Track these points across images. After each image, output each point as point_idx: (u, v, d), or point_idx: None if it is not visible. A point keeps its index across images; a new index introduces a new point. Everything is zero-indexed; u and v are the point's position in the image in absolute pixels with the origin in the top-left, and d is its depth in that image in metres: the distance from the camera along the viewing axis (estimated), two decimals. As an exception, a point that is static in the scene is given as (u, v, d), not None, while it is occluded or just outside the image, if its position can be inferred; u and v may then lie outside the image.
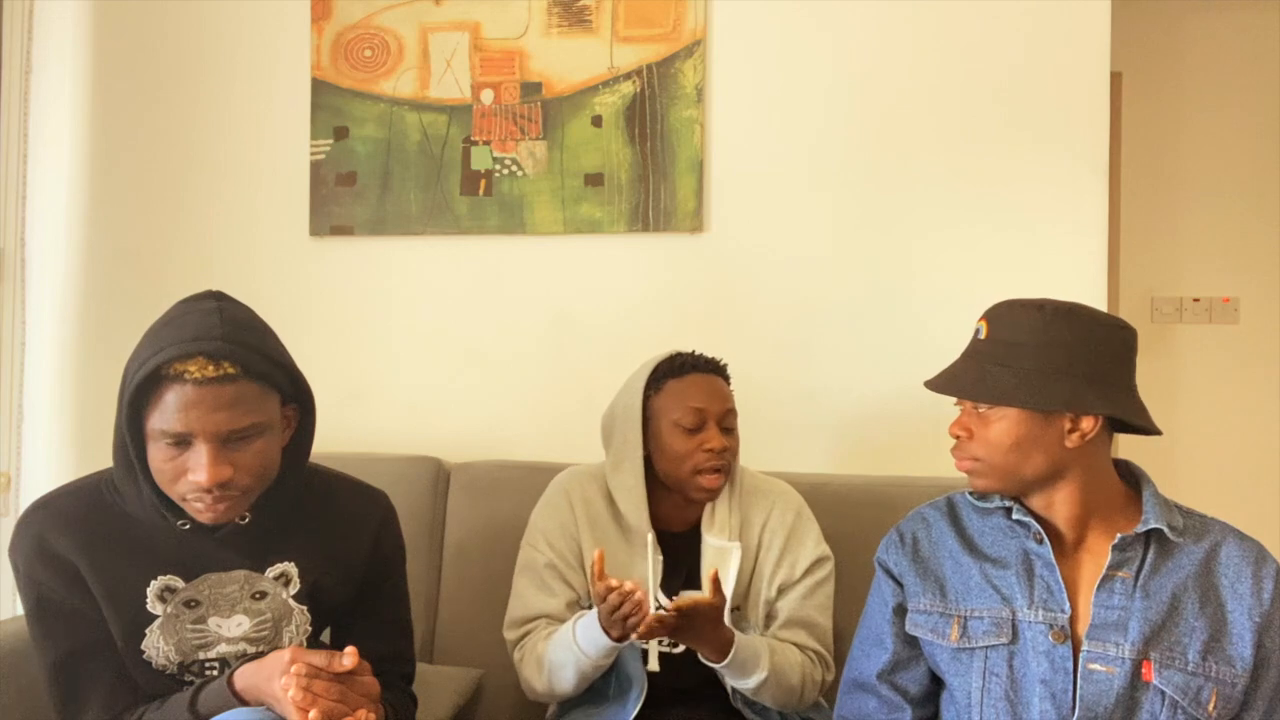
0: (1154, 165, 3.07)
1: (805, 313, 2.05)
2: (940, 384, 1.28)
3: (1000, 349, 1.24)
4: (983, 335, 1.27)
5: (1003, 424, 1.22)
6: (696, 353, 1.63)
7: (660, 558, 1.55)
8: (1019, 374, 1.21)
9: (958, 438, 1.28)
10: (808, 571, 1.58)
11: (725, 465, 1.55)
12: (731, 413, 1.59)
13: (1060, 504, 1.24)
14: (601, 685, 1.56)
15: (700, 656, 1.45)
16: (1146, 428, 1.23)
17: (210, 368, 1.16)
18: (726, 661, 1.42)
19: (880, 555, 1.39)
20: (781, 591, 1.58)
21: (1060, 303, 1.24)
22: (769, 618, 1.58)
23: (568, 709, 1.58)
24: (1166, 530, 1.20)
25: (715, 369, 1.61)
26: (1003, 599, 1.25)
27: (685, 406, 1.54)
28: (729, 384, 1.63)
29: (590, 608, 1.55)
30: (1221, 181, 3.06)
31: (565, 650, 1.47)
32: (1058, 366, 1.20)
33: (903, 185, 2.02)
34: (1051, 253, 1.98)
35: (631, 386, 1.61)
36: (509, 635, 1.60)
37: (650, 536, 1.55)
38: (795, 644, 1.54)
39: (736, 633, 1.44)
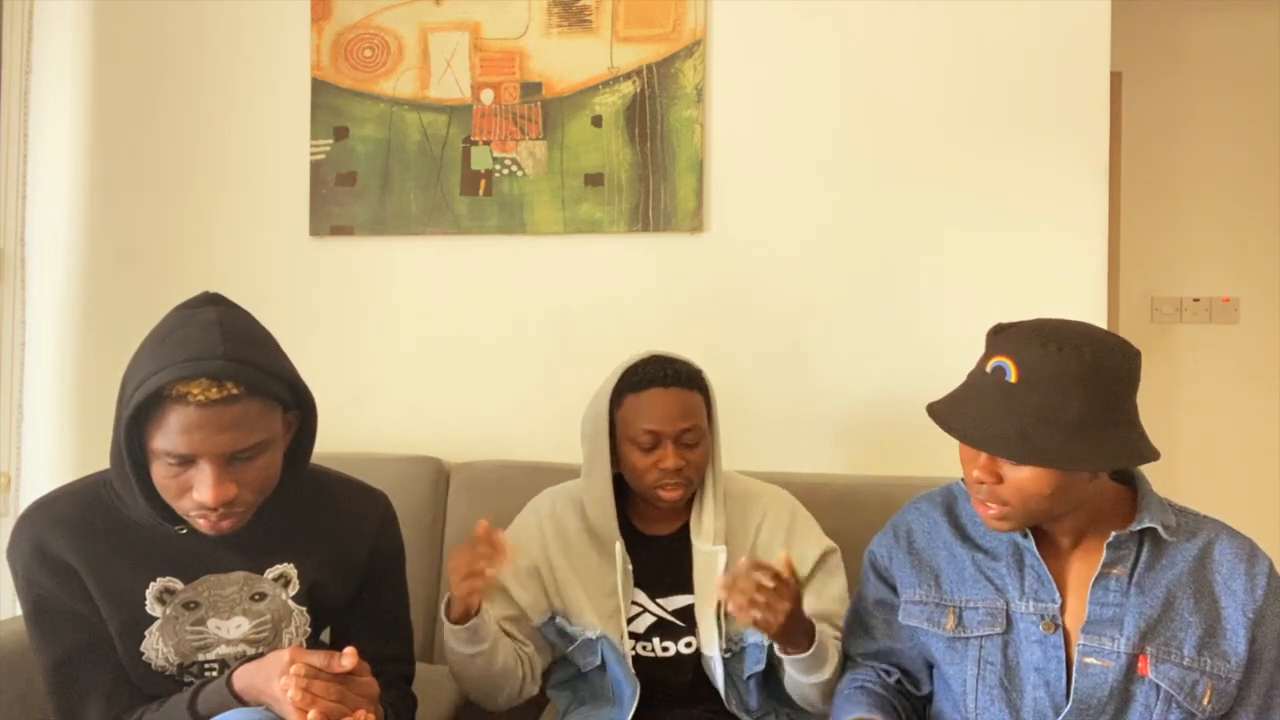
0: (1154, 165, 3.07)
1: (805, 313, 2.05)
2: (975, 439, 1.17)
3: (1038, 399, 1.13)
4: (1012, 378, 1.15)
5: (1035, 470, 1.15)
6: (666, 356, 1.55)
7: (630, 568, 1.55)
8: (1066, 430, 1.12)
9: (982, 484, 1.19)
10: (818, 565, 1.58)
11: (684, 481, 1.52)
12: (692, 429, 1.51)
13: (1065, 521, 1.24)
14: (600, 689, 1.56)
15: (777, 649, 1.40)
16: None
17: (213, 390, 1.14)
18: (812, 650, 1.37)
19: (872, 549, 1.41)
20: None
21: (1090, 337, 1.15)
22: None
23: (566, 714, 1.58)
24: (1160, 529, 1.21)
25: (679, 381, 1.52)
26: (996, 590, 1.26)
27: (639, 426, 1.50)
28: (702, 390, 1.55)
29: (548, 620, 1.56)
30: (1221, 181, 3.06)
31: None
32: (1102, 419, 1.13)
33: (902, 185, 2.02)
34: (1051, 252, 1.98)
35: (601, 393, 1.57)
36: None
37: (619, 545, 1.54)
38: None
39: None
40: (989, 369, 1.18)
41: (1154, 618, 1.19)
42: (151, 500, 1.22)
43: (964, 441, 1.19)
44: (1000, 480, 1.17)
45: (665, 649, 1.56)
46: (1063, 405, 1.12)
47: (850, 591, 1.56)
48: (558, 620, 1.58)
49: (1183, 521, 1.25)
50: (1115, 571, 1.21)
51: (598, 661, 1.54)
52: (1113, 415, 1.14)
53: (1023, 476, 1.16)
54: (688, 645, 1.56)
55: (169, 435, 1.15)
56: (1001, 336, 1.20)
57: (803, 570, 1.57)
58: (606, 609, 1.55)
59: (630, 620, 1.56)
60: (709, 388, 1.58)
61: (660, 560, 1.58)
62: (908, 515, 1.39)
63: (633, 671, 1.51)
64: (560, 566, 1.57)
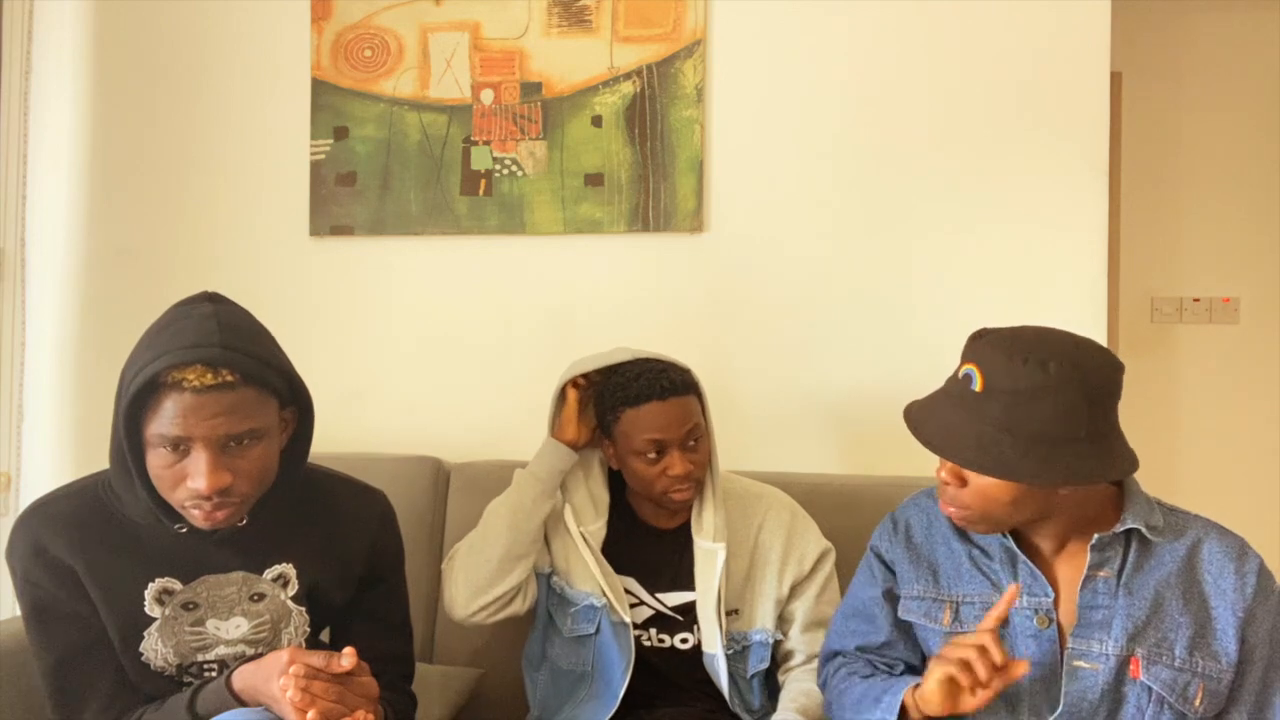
0: (1154, 165, 3.07)
1: (805, 312, 2.05)
2: (936, 443, 1.19)
3: (999, 409, 1.14)
4: (977, 387, 1.16)
5: (996, 480, 1.16)
6: (655, 362, 1.55)
7: (591, 544, 1.57)
8: (1023, 443, 1.12)
9: (946, 484, 1.21)
10: (816, 566, 1.59)
11: (693, 481, 1.53)
12: (695, 429, 1.52)
13: (1042, 527, 1.24)
14: (581, 667, 1.57)
15: None
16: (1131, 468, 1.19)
17: (209, 375, 1.15)
18: None
19: (874, 541, 1.41)
20: (795, 589, 1.58)
21: (1059, 350, 1.15)
22: (782, 619, 1.58)
23: (555, 706, 1.59)
24: (1144, 530, 1.21)
25: (675, 390, 1.51)
26: (992, 585, 1.27)
27: (643, 438, 1.51)
28: (695, 391, 1.56)
29: (545, 575, 1.61)
30: (1221, 181, 3.06)
31: (509, 492, 1.59)
32: (1062, 434, 1.13)
33: (902, 185, 2.02)
34: (1051, 252, 1.98)
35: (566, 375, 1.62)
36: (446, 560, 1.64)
37: (568, 512, 1.59)
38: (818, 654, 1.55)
39: None
40: (960, 375, 1.20)
41: (1143, 619, 1.19)
42: (152, 494, 1.22)
43: (925, 446, 1.21)
44: (964, 484, 1.19)
45: (661, 640, 1.57)
46: (1022, 419, 1.13)
47: (844, 588, 1.57)
48: (554, 580, 1.60)
49: (1170, 521, 1.24)
50: (1102, 574, 1.21)
51: (593, 630, 1.55)
52: (1073, 431, 1.13)
53: (984, 484, 1.17)
54: (683, 641, 1.56)
55: (164, 420, 1.15)
56: (978, 343, 1.20)
57: (802, 569, 1.58)
58: (595, 585, 1.56)
59: (629, 609, 1.57)
60: (700, 387, 1.58)
61: (660, 554, 1.60)
62: (906, 510, 1.39)
63: (631, 644, 1.52)
64: (566, 526, 1.60)
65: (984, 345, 1.18)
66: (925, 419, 1.22)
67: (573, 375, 1.60)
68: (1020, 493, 1.16)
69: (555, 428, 1.62)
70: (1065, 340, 1.18)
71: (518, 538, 1.55)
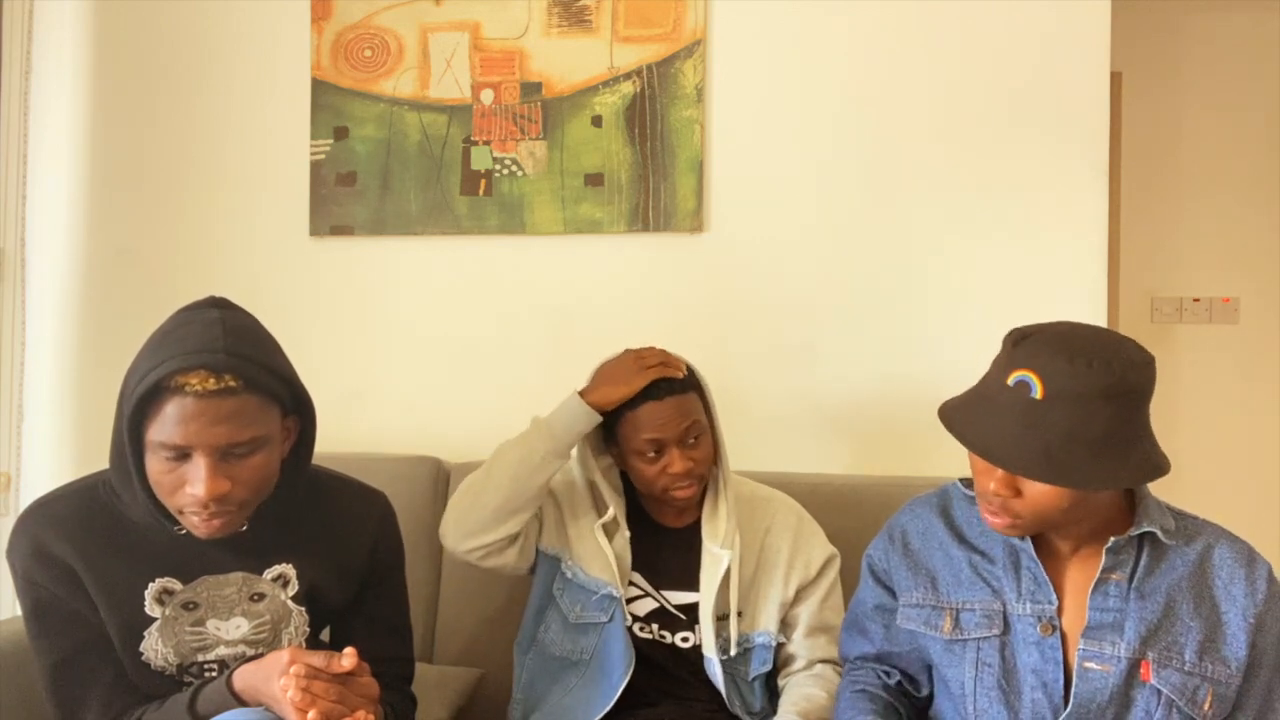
0: (1154, 165, 3.07)
1: (805, 313, 2.05)
2: (998, 456, 1.13)
3: (1063, 416, 1.10)
4: (1037, 395, 1.11)
5: (1054, 486, 1.13)
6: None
7: (611, 548, 1.56)
8: (1093, 448, 1.10)
9: (998, 494, 1.16)
10: (822, 571, 1.59)
11: (694, 479, 1.53)
12: (693, 426, 1.52)
13: (1068, 528, 1.23)
14: (576, 657, 1.56)
15: None
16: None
17: (211, 380, 1.15)
18: None
19: (869, 553, 1.41)
20: (800, 593, 1.58)
21: (1116, 349, 1.12)
22: (785, 623, 1.58)
23: (541, 691, 1.58)
24: (1159, 533, 1.20)
25: (672, 390, 1.51)
26: (993, 591, 1.26)
27: (641, 438, 1.51)
28: (697, 389, 1.56)
29: (553, 557, 1.60)
30: (1221, 181, 3.06)
31: (522, 438, 1.56)
32: (1128, 434, 1.11)
33: (902, 185, 2.02)
34: (1052, 252, 1.98)
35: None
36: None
37: (597, 527, 1.56)
38: (821, 660, 1.56)
39: None
40: (1011, 383, 1.13)
41: (1154, 623, 1.19)
42: (151, 497, 1.22)
43: (987, 459, 1.15)
44: (1018, 494, 1.15)
45: (662, 636, 1.57)
46: (1089, 423, 1.10)
47: (847, 593, 1.56)
48: (566, 566, 1.59)
49: (1181, 525, 1.24)
50: (1114, 577, 1.21)
51: (605, 619, 1.54)
52: (1134, 430, 1.13)
53: (1040, 491, 1.14)
54: (684, 640, 1.56)
55: (165, 426, 1.15)
56: (1023, 348, 1.14)
57: (808, 573, 1.58)
58: (605, 576, 1.56)
59: (630, 602, 1.57)
60: (703, 384, 1.58)
61: (667, 552, 1.59)
62: (902, 518, 1.39)
63: (631, 643, 1.52)
64: (566, 504, 1.61)
65: (1037, 349, 1.13)
66: (978, 429, 1.16)
67: (670, 360, 1.54)
68: (1076, 497, 1.14)
69: (593, 388, 1.53)
70: (1112, 338, 1.16)
71: (518, 491, 1.53)
